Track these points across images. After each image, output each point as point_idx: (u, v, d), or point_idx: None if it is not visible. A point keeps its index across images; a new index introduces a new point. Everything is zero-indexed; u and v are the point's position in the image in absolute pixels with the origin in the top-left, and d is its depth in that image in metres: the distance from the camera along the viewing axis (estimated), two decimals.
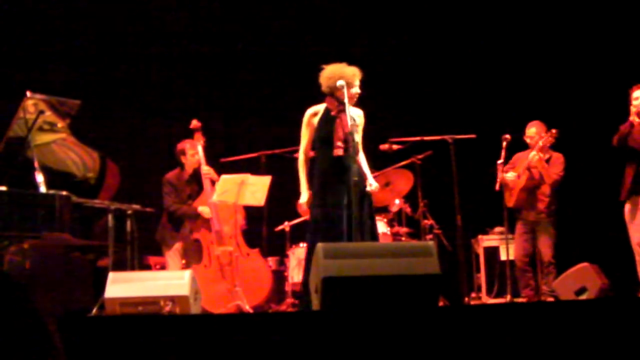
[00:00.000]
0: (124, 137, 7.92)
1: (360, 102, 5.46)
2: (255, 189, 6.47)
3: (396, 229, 7.13)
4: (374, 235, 5.33)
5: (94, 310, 5.02)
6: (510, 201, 6.84)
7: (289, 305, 6.74)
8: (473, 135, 7.02)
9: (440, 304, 5.95)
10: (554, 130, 6.58)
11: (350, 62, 5.39)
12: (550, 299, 6.49)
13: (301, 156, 5.49)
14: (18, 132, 5.58)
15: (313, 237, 5.13)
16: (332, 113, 5.35)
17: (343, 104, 5.22)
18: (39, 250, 5.38)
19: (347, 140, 5.18)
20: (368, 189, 5.30)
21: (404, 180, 7.27)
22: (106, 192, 5.87)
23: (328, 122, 5.35)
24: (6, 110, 5.81)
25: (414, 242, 6.81)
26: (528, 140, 6.82)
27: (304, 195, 5.42)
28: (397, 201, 7.21)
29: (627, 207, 6.10)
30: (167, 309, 4.65)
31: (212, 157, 6.83)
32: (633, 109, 6.00)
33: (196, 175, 6.75)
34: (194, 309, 4.80)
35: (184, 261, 6.67)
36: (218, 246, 6.55)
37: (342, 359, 3.59)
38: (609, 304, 4.28)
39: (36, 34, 7.91)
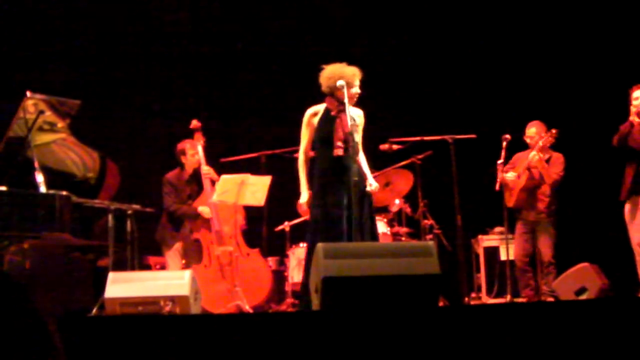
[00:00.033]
0: (124, 137, 7.92)
1: (360, 102, 5.46)
2: (255, 189, 6.47)
3: (396, 229, 7.12)
4: (374, 236, 5.33)
5: (94, 310, 5.02)
6: (510, 201, 6.84)
7: (289, 305, 6.74)
8: (473, 135, 7.02)
9: (440, 304, 5.95)
10: (554, 130, 6.58)
11: (350, 62, 5.39)
12: (550, 299, 6.49)
13: (301, 156, 5.49)
14: (18, 132, 5.58)
15: (313, 237, 5.14)
16: (332, 113, 5.35)
17: (343, 104, 5.22)
18: (39, 250, 5.39)
19: (347, 140, 5.18)
20: (368, 189, 5.30)
21: (404, 180, 7.27)
22: (106, 192, 5.88)
23: (328, 122, 5.35)
24: (6, 110, 5.81)
25: (414, 242, 6.80)
26: (528, 140, 6.82)
27: (304, 195, 5.42)
28: (397, 201, 7.21)
29: (627, 207, 6.10)
30: (167, 309, 4.65)
31: (212, 157, 6.83)
32: (633, 109, 6.00)
33: (196, 175, 6.75)
34: (194, 309, 4.81)
35: (184, 261, 6.67)
36: (218, 246, 6.55)
37: (342, 359, 3.59)
38: (609, 304, 4.28)
39: (36, 34, 7.91)
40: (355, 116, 5.37)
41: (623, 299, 5.25)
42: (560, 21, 8.13)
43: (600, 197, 7.22)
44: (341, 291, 4.07)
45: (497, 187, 6.83)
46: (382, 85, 7.43)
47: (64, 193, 5.42)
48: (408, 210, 7.29)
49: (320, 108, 5.45)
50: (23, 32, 7.92)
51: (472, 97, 8.21)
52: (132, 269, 5.81)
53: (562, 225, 6.83)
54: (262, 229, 7.09)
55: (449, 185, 6.88)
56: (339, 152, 5.24)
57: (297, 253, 6.88)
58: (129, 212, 5.78)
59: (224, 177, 6.46)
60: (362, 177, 5.27)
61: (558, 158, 6.77)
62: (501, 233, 7.23)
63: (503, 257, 7.25)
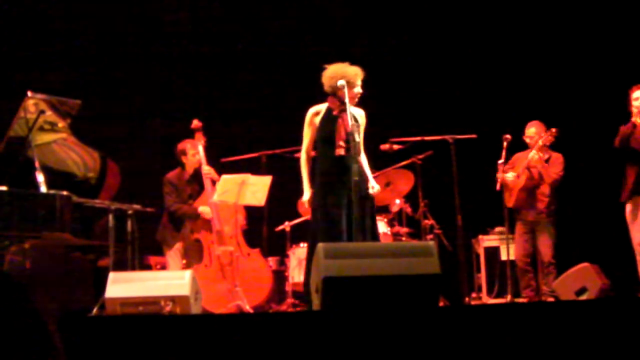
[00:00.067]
0: (124, 137, 7.91)
1: (360, 102, 5.46)
2: (255, 189, 6.48)
3: (396, 229, 7.12)
4: (375, 236, 5.34)
5: (95, 310, 5.02)
6: (509, 201, 6.84)
7: (289, 305, 6.73)
8: (474, 135, 7.01)
9: (441, 304, 5.95)
10: (554, 130, 6.58)
11: (351, 62, 5.39)
12: (551, 299, 6.49)
13: (303, 155, 5.49)
14: (19, 132, 5.58)
15: (314, 237, 5.14)
16: (334, 113, 5.35)
17: (344, 103, 5.22)
18: (39, 250, 5.39)
19: (349, 140, 5.19)
20: (370, 191, 5.32)
21: (404, 180, 7.27)
22: (107, 192, 5.87)
23: (330, 122, 5.36)
24: (7, 110, 5.81)
25: (415, 242, 6.81)
26: (528, 140, 6.83)
27: (306, 194, 5.42)
28: (397, 201, 7.20)
29: (629, 207, 6.10)
30: (168, 309, 4.65)
31: (212, 157, 6.83)
32: (635, 110, 6.00)
33: (197, 175, 6.75)
34: (195, 309, 4.80)
35: (184, 261, 6.67)
36: (219, 246, 6.55)
37: (343, 359, 3.59)
38: (610, 304, 4.28)
39: (36, 34, 7.91)
40: (357, 116, 5.38)
41: (623, 299, 5.25)
42: (560, 21, 8.13)
43: (600, 197, 7.22)
44: (342, 291, 4.07)
45: (498, 187, 6.83)
46: (383, 85, 7.42)
47: (65, 193, 5.42)
48: (408, 210, 7.29)
49: (322, 107, 5.45)
50: (23, 32, 7.92)
51: (472, 97, 8.21)
52: (133, 269, 5.80)
53: (562, 225, 6.83)
54: (263, 229, 7.09)
55: (449, 185, 6.88)
56: (340, 151, 5.25)
57: (298, 253, 6.88)
58: (130, 212, 5.78)
59: (225, 177, 6.46)
60: (363, 177, 5.27)
61: (557, 158, 6.77)
62: (502, 233, 7.22)
63: (503, 257, 7.24)
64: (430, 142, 7.11)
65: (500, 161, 6.77)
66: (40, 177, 5.46)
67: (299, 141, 5.59)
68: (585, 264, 6.49)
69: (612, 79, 7.25)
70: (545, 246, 6.70)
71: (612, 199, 6.29)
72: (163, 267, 6.81)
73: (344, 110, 5.24)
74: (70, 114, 5.79)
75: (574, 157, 6.94)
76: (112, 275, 4.85)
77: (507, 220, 6.91)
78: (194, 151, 6.71)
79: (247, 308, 6.24)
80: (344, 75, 5.28)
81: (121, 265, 5.66)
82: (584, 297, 6.31)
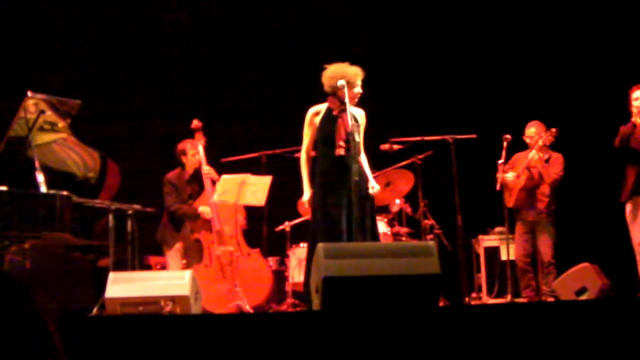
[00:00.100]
0: (124, 137, 7.91)
1: (360, 102, 5.46)
2: (255, 189, 6.48)
3: (396, 229, 7.12)
4: (375, 236, 5.34)
5: (95, 310, 5.02)
6: (509, 201, 6.84)
7: (289, 305, 6.73)
8: (474, 135, 7.01)
9: (441, 304, 5.95)
10: (553, 129, 6.58)
11: (351, 62, 5.39)
12: (551, 299, 6.49)
13: (303, 155, 5.49)
14: (19, 132, 5.58)
15: (314, 237, 5.14)
16: (334, 113, 5.36)
17: (344, 103, 5.22)
18: (39, 250, 5.38)
19: (349, 140, 5.19)
20: (370, 192, 5.33)
21: (404, 180, 7.27)
22: (107, 192, 5.87)
23: (330, 122, 5.36)
24: (7, 110, 5.81)
25: (415, 242, 6.80)
26: (527, 140, 6.83)
27: (307, 194, 5.43)
28: (397, 201, 7.20)
29: (629, 207, 6.10)
30: (168, 309, 4.65)
31: (212, 157, 6.83)
32: (635, 110, 6.00)
33: (197, 175, 6.75)
34: (195, 309, 4.80)
35: (184, 261, 6.67)
36: (219, 246, 6.55)
37: (343, 359, 3.59)
38: (610, 304, 4.28)
39: (36, 34, 7.91)
40: (357, 116, 5.38)
41: (623, 299, 5.25)
42: (560, 21, 8.13)
43: (600, 197, 7.22)
44: (342, 291, 4.07)
45: (498, 187, 6.83)
46: (383, 85, 7.42)
47: (65, 193, 5.42)
48: (408, 210, 7.29)
49: (322, 107, 5.45)
50: (23, 32, 7.91)
51: (472, 97, 8.21)
52: (133, 269, 5.80)
53: (562, 225, 6.83)
54: (263, 229, 7.09)
55: (449, 185, 6.88)
56: (340, 151, 5.25)
57: (298, 253, 6.88)
58: (130, 212, 5.77)
59: (225, 177, 6.46)
60: (363, 177, 5.27)
61: (557, 158, 6.77)
62: (502, 233, 7.22)
63: (503, 257, 7.24)
64: (430, 142, 7.11)
65: (500, 161, 6.76)
66: (40, 177, 5.46)
67: (299, 141, 5.59)
68: (585, 264, 6.49)
69: (612, 79, 7.25)
70: (545, 246, 6.70)
71: (612, 199, 6.29)
72: (163, 267, 6.81)
73: (344, 110, 5.24)
74: (70, 114, 5.79)
75: (574, 157, 6.93)
76: (112, 275, 4.85)
77: (507, 220, 6.91)
78: (194, 151, 6.71)
79: (247, 308, 6.24)
80: (344, 75, 5.29)
81: (121, 265, 5.66)
82: (584, 297, 6.31)
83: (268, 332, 3.66)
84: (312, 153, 5.51)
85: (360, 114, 5.45)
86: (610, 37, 7.90)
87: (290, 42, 8.29)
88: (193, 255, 6.65)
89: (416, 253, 4.26)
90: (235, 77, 8.27)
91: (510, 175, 6.77)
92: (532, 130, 6.79)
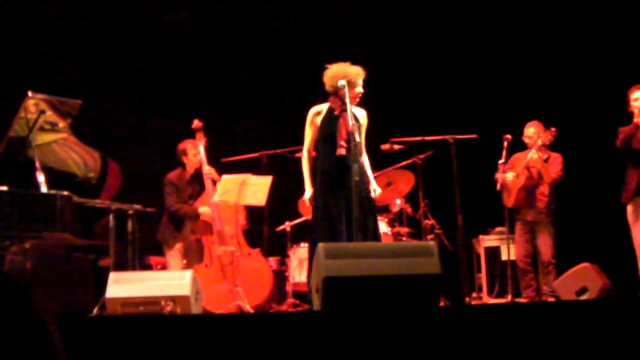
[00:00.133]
0: (124, 137, 7.92)
1: (361, 102, 5.47)
2: (256, 189, 6.47)
3: (397, 229, 7.13)
4: (376, 236, 5.34)
5: (95, 310, 5.02)
6: (509, 201, 6.83)
7: (289, 305, 6.73)
8: (474, 135, 7.02)
9: (441, 304, 5.95)
10: (553, 129, 6.58)
11: (351, 62, 5.39)
12: (551, 299, 6.49)
13: (304, 155, 5.50)
14: (19, 132, 5.58)
15: (315, 237, 5.14)
16: (335, 112, 5.36)
17: (345, 103, 5.22)
18: (40, 250, 5.38)
19: (350, 139, 5.19)
20: (372, 194, 5.33)
21: (405, 180, 7.27)
22: (107, 192, 5.87)
23: (331, 122, 5.36)
24: (7, 110, 5.81)
25: (415, 242, 6.81)
26: (527, 140, 6.83)
27: (308, 192, 5.43)
28: (398, 201, 7.20)
29: (630, 208, 6.09)
30: (168, 309, 4.65)
31: (213, 157, 6.83)
32: (635, 111, 6.00)
33: (197, 175, 6.75)
34: (195, 309, 4.80)
35: (185, 261, 6.66)
36: (219, 246, 6.55)
37: (343, 359, 3.59)
38: (610, 304, 4.28)
39: (36, 34, 7.91)
40: (358, 116, 5.39)
41: (624, 299, 5.25)
42: (559, 21, 8.13)
43: (600, 197, 7.22)
44: (342, 291, 4.07)
45: (498, 187, 6.83)
46: (383, 85, 7.42)
47: (65, 193, 5.42)
48: (409, 210, 7.29)
49: (323, 107, 5.46)
50: (23, 32, 7.91)
51: (472, 97, 8.20)
52: (133, 269, 5.80)
53: (562, 225, 6.82)
54: (263, 229, 7.09)
55: (450, 185, 6.88)
56: (341, 151, 5.25)
57: (298, 253, 6.88)
58: (130, 212, 5.77)
59: (225, 177, 6.46)
60: (364, 177, 5.27)
61: (557, 158, 6.77)
62: (502, 233, 7.22)
63: (504, 257, 7.24)
64: (430, 142, 7.12)
65: (500, 161, 6.77)
66: (40, 177, 5.46)
67: (299, 141, 5.59)
68: (586, 264, 6.49)
69: (612, 79, 7.25)
70: (545, 246, 6.69)
71: (611, 199, 6.29)
72: (163, 267, 6.81)
73: (345, 110, 5.24)
74: (70, 114, 5.79)
75: (573, 157, 6.93)
76: (112, 275, 4.85)
77: (508, 220, 6.91)
78: (195, 151, 6.71)
79: (248, 308, 6.24)
80: (345, 75, 5.29)
81: (122, 265, 5.66)
82: (584, 297, 6.31)
83: (268, 332, 3.66)
84: (313, 153, 5.51)
85: (361, 114, 5.46)
86: (610, 37, 7.90)
87: (290, 42, 8.29)
88: (193, 255, 6.65)
89: (417, 253, 4.26)
90: (235, 77, 8.27)
91: (509, 175, 6.77)
92: (531, 130, 6.79)
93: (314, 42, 8.14)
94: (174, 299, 4.69)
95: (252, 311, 6.25)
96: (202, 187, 6.74)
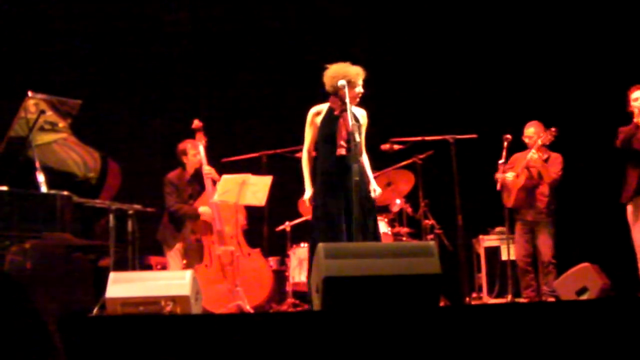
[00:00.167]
0: (124, 137, 7.92)
1: (361, 102, 5.46)
2: (256, 189, 6.47)
3: (397, 229, 7.12)
4: (376, 236, 5.34)
5: (95, 310, 5.02)
6: (508, 202, 6.83)
7: (289, 305, 6.73)
8: (474, 135, 7.02)
9: (441, 304, 5.95)
10: (553, 129, 6.58)
11: (351, 62, 5.39)
12: (551, 299, 6.49)
13: (304, 155, 5.50)
14: (19, 132, 5.58)
15: (315, 237, 5.14)
16: (335, 112, 5.36)
17: (346, 103, 5.22)
18: (40, 250, 5.38)
19: (350, 139, 5.19)
20: (372, 195, 5.33)
21: (405, 180, 7.27)
22: (107, 192, 5.87)
23: (331, 122, 5.36)
24: (7, 110, 5.81)
25: (415, 242, 6.81)
26: (526, 140, 6.82)
27: (308, 192, 5.43)
28: (398, 201, 7.20)
29: (630, 208, 6.09)
30: (168, 309, 4.65)
31: (213, 157, 6.83)
32: (635, 111, 6.00)
33: (197, 175, 6.75)
34: (195, 309, 4.80)
35: (185, 261, 6.66)
36: (219, 246, 6.55)
37: (343, 359, 3.59)
38: (610, 304, 4.28)
39: (36, 34, 7.91)
40: (358, 116, 5.39)
41: (624, 299, 5.25)
42: (559, 21, 8.13)
43: (600, 197, 7.22)
44: (342, 291, 4.07)
45: (499, 187, 6.83)
46: (383, 85, 7.42)
47: (65, 193, 5.42)
48: (409, 210, 7.29)
49: (323, 107, 5.46)
50: (23, 32, 7.91)
51: (472, 97, 8.20)
52: (133, 269, 5.80)
53: (562, 225, 6.82)
54: (263, 229, 7.09)
55: (450, 185, 6.88)
56: (341, 151, 5.25)
57: (298, 253, 6.88)
58: (130, 212, 5.77)
59: (225, 177, 6.46)
60: (364, 177, 5.27)
61: (556, 158, 6.77)
62: (502, 233, 7.22)
63: (504, 257, 7.24)
64: (430, 142, 7.12)
65: (500, 161, 6.77)
66: (40, 177, 5.46)
67: (299, 141, 5.59)
68: (586, 264, 6.49)
69: (611, 79, 7.25)
70: (545, 246, 6.69)
71: (611, 199, 6.29)
72: (163, 267, 6.81)
73: (345, 110, 5.24)
74: (70, 114, 5.79)
75: (573, 157, 6.93)
76: (112, 275, 4.85)
77: (508, 220, 6.91)
78: (195, 151, 6.71)
79: (248, 308, 6.24)
80: (346, 75, 5.29)
81: (122, 265, 5.66)
82: (584, 297, 6.31)
83: (268, 332, 3.66)
84: (313, 153, 5.51)
85: (362, 114, 5.46)
86: (609, 37, 7.90)
87: (290, 42, 8.29)
88: (193, 256, 6.65)
89: (417, 253, 4.26)
90: (235, 77, 8.27)
91: (509, 175, 6.77)
92: (531, 130, 6.79)
93: (314, 42, 8.14)
94: (174, 299, 4.69)
95: (252, 311, 6.25)
96: (202, 187, 6.74)
